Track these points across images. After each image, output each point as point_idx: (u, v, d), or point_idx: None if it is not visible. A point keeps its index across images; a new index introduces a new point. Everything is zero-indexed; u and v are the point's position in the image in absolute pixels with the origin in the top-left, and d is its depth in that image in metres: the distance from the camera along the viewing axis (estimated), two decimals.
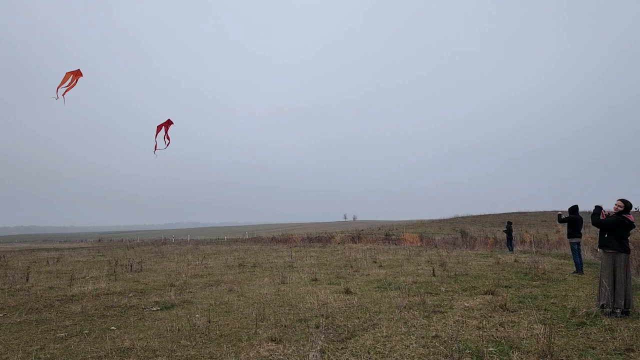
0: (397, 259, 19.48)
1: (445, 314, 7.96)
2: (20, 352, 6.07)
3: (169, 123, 15.70)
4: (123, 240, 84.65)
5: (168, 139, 15.48)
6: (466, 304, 8.79)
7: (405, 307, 8.47)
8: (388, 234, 48.17)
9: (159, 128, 15.57)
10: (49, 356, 5.90)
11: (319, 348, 5.75)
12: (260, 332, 6.91)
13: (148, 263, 21.10)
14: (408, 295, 9.95)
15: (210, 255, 25.89)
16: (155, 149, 15.14)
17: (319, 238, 44.37)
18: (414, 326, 7.03)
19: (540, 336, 5.97)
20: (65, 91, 15.31)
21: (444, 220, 71.23)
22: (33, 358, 5.80)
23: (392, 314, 7.96)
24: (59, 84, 15.34)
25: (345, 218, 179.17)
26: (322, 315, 8.02)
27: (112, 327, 7.58)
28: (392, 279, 12.96)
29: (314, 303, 9.24)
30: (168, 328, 7.31)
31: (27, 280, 14.74)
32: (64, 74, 16.03)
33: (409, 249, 27.29)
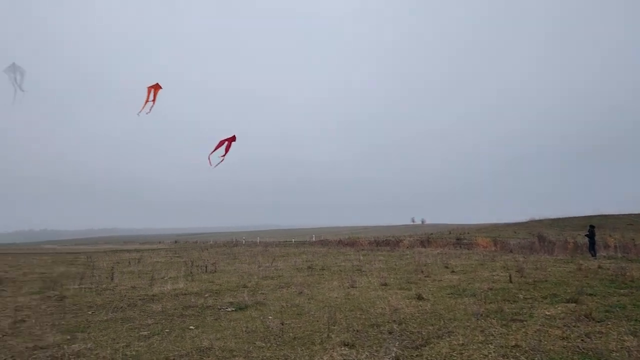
0: (470, 265, 18.88)
1: (525, 322, 7.59)
2: (109, 348, 6.45)
3: (232, 139, 15.97)
4: (197, 242, 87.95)
5: (226, 152, 15.71)
6: (547, 313, 8.35)
7: (481, 315, 8.18)
8: (459, 238, 46.83)
9: (222, 143, 15.86)
10: (134, 353, 6.22)
11: (393, 354, 5.68)
12: (332, 336, 6.91)
13: (221, 264, 21.79)
14: (484, 302, 9.59)
15: (280, 258, 26.32)
16: (211, 162, 15.47)
17: (386, 242, 43.91)
18: (492, 335, 6.77)
19: (632, 349, 5.56)
20: (151, 107, 16.24)
21: (519, 223, 68.11)
22: (120, 355, 6.14)
23: (468, 322, 7.70)
24: (145, 100, 16.31)
25: (413, 221, 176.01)
26: (395, 321, 7.91)
27: (191, 327, 7.88)
28: (466, 285, 12.56)
29: (385, 308, 9.14)
30: (243, 329, 7.50)
31: (112, 279, 15.66)
32: (146, 89, 16.99)
33: (483, 254, 26.37)
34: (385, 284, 13.06)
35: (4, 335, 7.44)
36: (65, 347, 6.60)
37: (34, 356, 6.18)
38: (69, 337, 7.26)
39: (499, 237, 46.90)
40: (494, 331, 6.99)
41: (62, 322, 8.53)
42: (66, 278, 16.68)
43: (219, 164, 15.70)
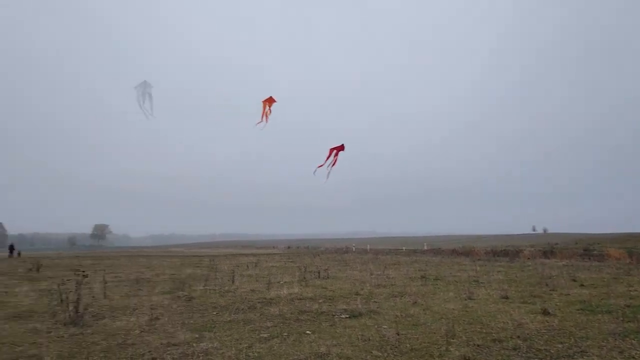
0: (602, 278, 17.18)
1: None
2: (233, 349, 6.80)
3: (341, 148, 16.07)
4: (309, 247, 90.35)
5: (334, 163, 15.78)
6: None
7: (619, 334, 7.38)
8: (587, 249, 42.98)
9: (331, 152, 16.00)
10: (256, 355, 6.50)
11: None
12: (451, 349, 6.66)
13: (333, 271, 22.10)
14: (622, 320, 8.66)
15: (391, 266, 26.06)
16: (319, 171, 15.63)
17: (504, 252, 41.55)
18: (633, 357, 6.08)
19: None
20: (267, 119, 17.08)
21: None
22: (244, 355, 6.45)
23: (603, 341, 6.99)
24: (262, 113, 17.22)
25: (534, 230, 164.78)
26: (519, 336, 7.42)
27: (308, 332, 8.05)
28: (599, 300, 11.43)
29: (507, 323, 8.62)
30: (359, 337, 7.50)
31: (233, 282, 16.58)
32: (262, 102, 17.93)
33: (616, 266, 23.88)
34: (506, 297, 12.32)
35: (142, 332, 8.18)
36: (194, 345, 7.09)
37: (168, 352, 6.70)
38: (197, 335, 7.79)
39: (635, 248, 42.23)
40: (635, 353, 6.27)
41: (191, 321, 9.18)
42: (193, 279, 17.99)
43: (328, 174, 15.96)
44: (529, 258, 34.03)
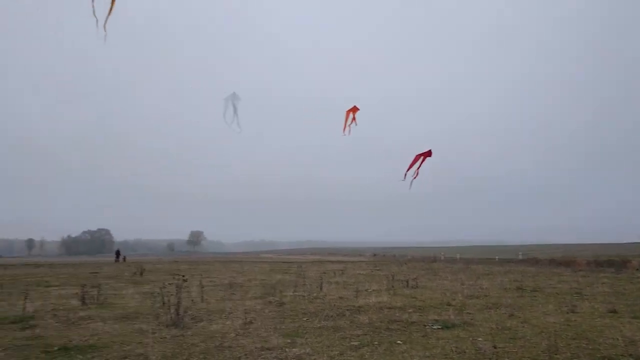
0: None
1: None
2: (325, 355, 6.85)
3: (428, 154, 15.63)
4: (395, 255, 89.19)
5: (418, 167, 15.34)
6: None
7: None
8: None
9: (417, 158, 15.61)
10: None
11: None
12: None
13: (422, 280, 21.62)
14: None
15: (484, 276, 25.01)
16: (406, 177, 15.30)
17: (609, 262, 38.33)
18: None
19: None
20: (349, 127, 17.22)
21: None
22: None
23: None
24: (344, 121, 17.40)
25: None
26: (631, 355, 6.80)
27: (399, 341, 7.91)
28: None
29: (617, 339, 7.92)
30: (453, 349, 7.25)
31: (321, 289, 16.73)
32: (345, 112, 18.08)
33: None
34: (614, 311, 11.35)
35: (237, 335, 8.48)
36: (287, 350, 7.23)
37: (262, 356, 6.89)
38: (289, 340, 7.94)
39: None
40: None
41: (283, 327, 9.39)
42: (282, 285, 18.41)
43: (412, 181, 15.65)
44: (637, 269, 31.16)
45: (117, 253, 57.99)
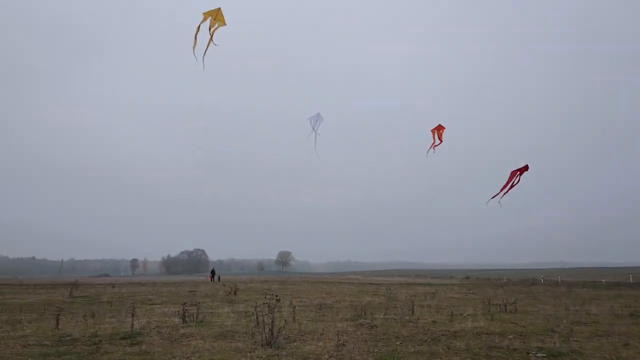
0: None
1: None
2: None
3: (525, 169, 14.81)
4: (490, 278, 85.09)
5: (511, 184, 14.49)
6: None
7: None
8: None
9: (513, 174, 14.77)
10: None
11: None
12: None
13: (521, 304, 20.38)
14: None
15: (590, 301, 23.07)
16: (500, 196, 14.56)
17: None
18: None
19: None
20: (435, 146, 16.96)
21: None
22: None
23: None
24: (432, 140, 17.17)
25: None
26: None
27: None
28: None
29: None
30: None
31: (413, 312, 16.31)
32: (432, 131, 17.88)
33: None
34: None
35: (330, 357, 8.47)
36: None
37: None
38: None
39: None
40: None
41: (376, 350, 9.24)
42: (372, 307, 18.19)
43: (502, 195, 14.93)
44: None
45: (212, 272, 60.66)
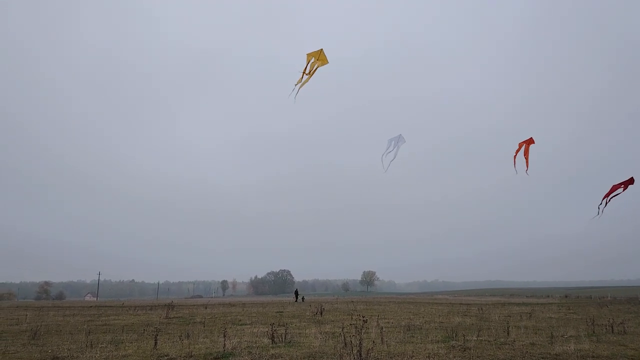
0: None
1: None
2: None
3: (630, 182, 14.06)
4: (592, 297, 78.95)
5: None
6: None
7: None
8: None
9: (615, 188, 14.19)
10: None
11: None
12: None
13: (630, 325, 18.62)
14: None
15: None
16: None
17: None
18: None
19: None
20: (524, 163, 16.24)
21: None
22: None
23: None
24: (515, 154, 16.44)
25: None
26: None
27: None
28: None
29: None
30: None
31: (508, 334, 15.42)
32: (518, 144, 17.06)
33: None
34: None
35: None
36: None
37: None
38: None
39: None
40: None
41: None
42: (463, 329, 17.42)
43: (602, 209, 14.16)
44: None
45: (296, 293, 61.47)
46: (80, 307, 51.05)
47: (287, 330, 14.61)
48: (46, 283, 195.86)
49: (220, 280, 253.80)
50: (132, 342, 14.24)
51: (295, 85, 11.56)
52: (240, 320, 23.33)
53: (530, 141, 16.80)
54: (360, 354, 9.57)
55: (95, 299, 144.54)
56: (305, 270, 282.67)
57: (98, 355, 11.43)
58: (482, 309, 33.53)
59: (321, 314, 26.41)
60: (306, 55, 11.59)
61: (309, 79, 11.57)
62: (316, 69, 11.38)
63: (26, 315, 29.71)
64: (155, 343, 12.93)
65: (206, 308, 39.52)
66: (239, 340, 14.15)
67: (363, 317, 12.36)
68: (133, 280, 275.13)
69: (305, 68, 11.58)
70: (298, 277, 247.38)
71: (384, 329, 15.11)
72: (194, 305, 50.00)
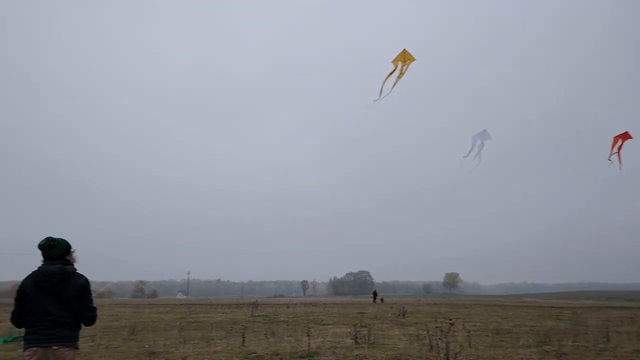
0: None
1: None
2: None
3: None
4: None
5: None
6: None
7: None
8: None
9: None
10: None
11: None
12: None
13: None
14: None
15: None
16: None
17: None
18: None
19: None
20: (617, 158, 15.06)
21: None
22: None
23: None
24: (612, 148, 15.26)
25: None
26: None
27: None
28: None
29: None
30: None
31: (608, 339, 14.32)
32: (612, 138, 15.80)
33: None
34: None
35: None
36: None
37: None
38: None
39: None
40: None
41: None
42: (557, 333, 16.40)
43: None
44: None
45: (375, 294, 61.02)
46: (172, 304, 54.12)
47: (370, 331, 14.50)
48: (141, 282, 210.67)
49: (301, 280, 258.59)
50: (221, 339, 14.80)
51: (380, 94, 11.54)
52: (322, 320, 23.53)
53: (626, 136, 15.51)
54: (447, 358, 9.30)
55: (185, 297, 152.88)
56: (385, 271, 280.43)
57: (191, 351, 12.00)
58: (576, 312, 31.49)
59: (403, 315, 26.01)
60: (392, 64, 11.53)
61: (399, 77, 11.46)
62: (407, 68, 11.29)
63: (124, 312, 31.95)
64: (243, 340, 13.36)
65: (288, 307, 40.33)
66: (322, 339, 14.25)
67: (449, 319, 11.99)
68: (219, 279, 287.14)
69: (392, 72, 11.48)
70: (377, 278, 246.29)
71: (471, 332, 14.56)
72: (277, 304, 51.24)
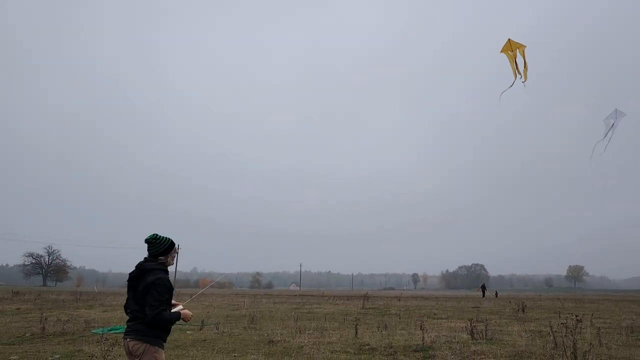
0: None
1: None
2: None
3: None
4: None
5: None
6: None
7: None
8: None
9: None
10: None
11: None
12: None
13: None
14: None
15: None
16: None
17: None
18: None
19: None
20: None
21: None
22: None
23: None
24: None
25: None
26: None
27: None
28: None
29: None
30: None
31: None
32: None
33: None
34: None
35: None
36: None
37: None
38: None
39: None
40: None
41: None
42: None
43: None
44: None
45: (483, 287, 58.22)
46: (286, 295, 56.43)
47: (487, 327, 13.92)
48: (258, 274, 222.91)
49: (411, 273, 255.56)
50: (334, 330, 15.16)
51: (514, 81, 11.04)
52: (435, 314, 23.09)
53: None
54: (575, 356, 8.65)
55: (298, 288, 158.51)
56: (501, 264, 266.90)
57: (307, 340, 12.43)
58: None
59: (523, 310, 24.64)
60: (507, 56, 10.91)
61: (526, 69, 10.88)
62: (523, 53, 10.66)
63: (244, 302, 33.90)
64: (356, 332, 13.56)
65: (399, 300, 40.11)
66: (437, 334, 13.98)
67: (576, 315, 11.10)
68: (329, 271, 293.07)
69: (516, 64, 10.88)
70: (493, 272, 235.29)
71: (601, 330, 13.39)
72: (387, 297, 51.21)
